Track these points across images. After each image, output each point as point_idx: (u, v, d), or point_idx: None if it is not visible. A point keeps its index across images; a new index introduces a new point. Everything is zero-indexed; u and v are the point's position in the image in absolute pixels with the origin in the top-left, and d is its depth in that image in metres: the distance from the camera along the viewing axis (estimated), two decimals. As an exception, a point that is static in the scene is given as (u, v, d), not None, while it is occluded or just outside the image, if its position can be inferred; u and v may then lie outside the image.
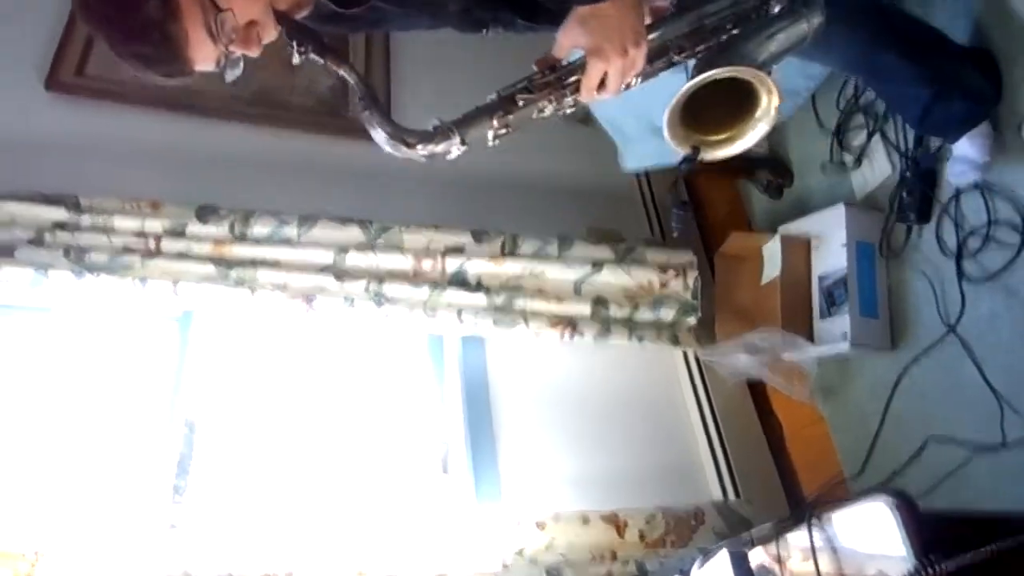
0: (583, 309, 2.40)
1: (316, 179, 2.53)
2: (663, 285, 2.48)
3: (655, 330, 2.46)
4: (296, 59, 1.16)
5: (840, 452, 2.35)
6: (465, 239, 2.40)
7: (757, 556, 1.50)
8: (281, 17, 1.16)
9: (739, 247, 2.59)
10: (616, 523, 2.09)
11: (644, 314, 2.45)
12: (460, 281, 2.35)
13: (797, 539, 1.41)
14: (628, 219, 2.84)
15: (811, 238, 2.37)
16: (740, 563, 1.48)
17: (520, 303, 2.35)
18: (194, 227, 2.21)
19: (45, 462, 2.01)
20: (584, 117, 2.63)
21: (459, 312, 2.30)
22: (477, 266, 2.37)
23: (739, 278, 2.55)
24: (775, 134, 2.64)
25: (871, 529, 1.25)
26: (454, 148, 1.22)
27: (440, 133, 1.20)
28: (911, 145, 2.16)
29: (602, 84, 1.21)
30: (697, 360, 2.54)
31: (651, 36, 1.24)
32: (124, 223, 2.17)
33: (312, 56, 1.15)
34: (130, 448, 2.10)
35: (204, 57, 1.14)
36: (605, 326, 2.39)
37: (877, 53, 1.71)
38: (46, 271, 2.03)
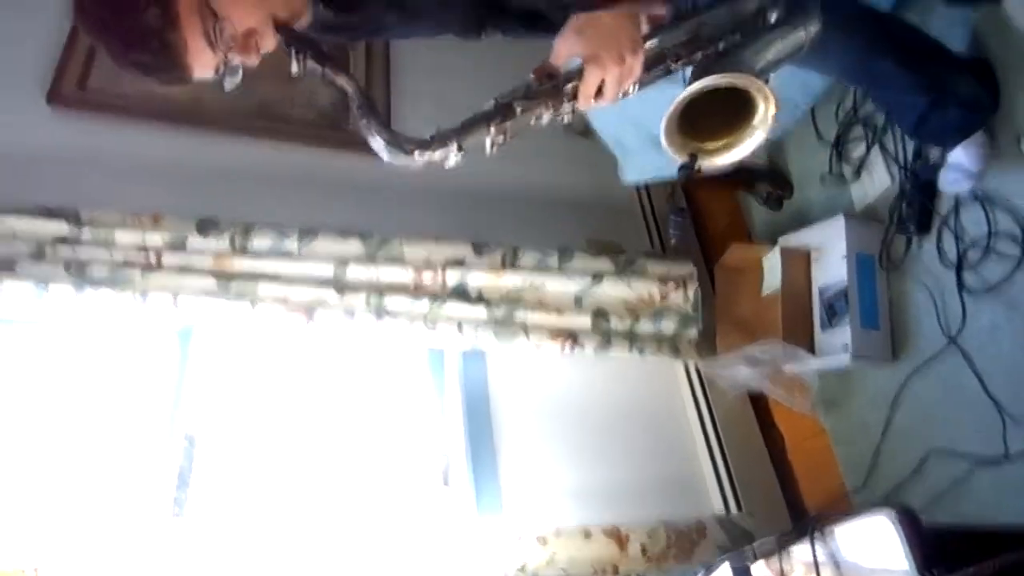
0: (584, 321, 2.40)
1: (317, 192, 2.53)
2: (663, 297, 2.48)
3: (656, 342, 2.45)
4: (295, 68, 1.16)
5: (842, 464, 2.34)
6: (466, 251, 2.40)
7: (759, 570, 1.49)
8: (280, 26, 1.17)
9: (739, 259, 2.59)
10: (618, 537, 2.08)
11: (645, 326, 2.45)
12: (461, 293, 2.35)
13: (800, 553, 1.41)
14: (628, 231, 2.84)
15: (811, 250, 2.37)
16: (743, 577, 1.47)
17: (520, 315, 2.35)
18: (195, 240, 2.21)
19: (45, 477, 2.01)
20: (584, 130, 2.64)
21: (459, 325, 2.30)
22: (478, 278, 2.37)
23: (739, 290, 2.55)
24: (775, 146, 2.66)
25: (874, 543, 1.25)
26: (452, 155, 1.22)
27: (438, 140, 1.20)
28: (910, 157, 2.17)
29: (599, 92, 1.22)
30: (698, 372, 2.53)
31: (648, 44, 1.24)
32: (125, 237, 2.17)
33: (311, 64, 1.15)
34: (130, 462, 2.09)
35: (203, 65, 1.15)
36: (606, 338, 2.39)
37: (874, 61, 1.72)
38: (47, 285, 2.02)
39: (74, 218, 2.14)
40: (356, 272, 2.28)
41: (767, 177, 2.69)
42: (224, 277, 2.18)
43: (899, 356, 2.20)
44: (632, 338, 2.43)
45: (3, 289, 2.00)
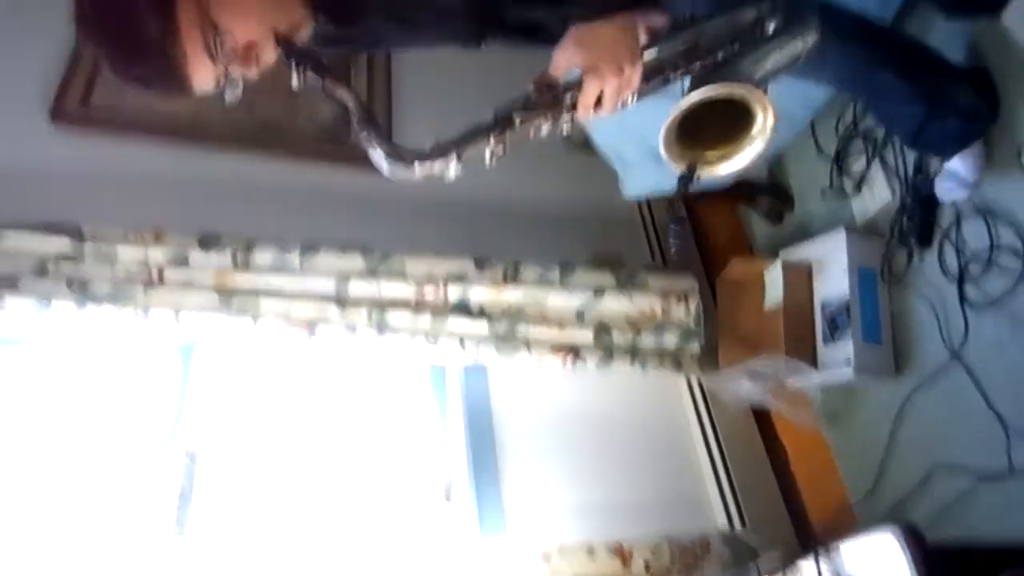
0: (585, 335, 2.39)
1: (318, 207, 2.53)
2: (665, 311, 2.47)
3: (658, 356, 2.45)
4: (295, 81, 1.17)
5: (845, 478, 2.33)
6: (467, 266, 2.40)
7: (764, 587, 1.48)
8: (280, 39, 1.18)
9: (741, 273, 2.59)
10: (622, 554, 2.06)
11: (646, 340, 2.44)
12: (462, 308, 2.35)
13: (805, 570, 1.40)
14: (629, 245, 2.84)
15: (812, 263, 2.37)
16: (748, 595, 1.47)
17: (522, 330, 2.35)
18: (197, 256, 2.21)
19: (46, 493, 2.00)
20: (584, 144, 2.64)
21: (461, 340, 2.29)
22: (479, 293, 2.36)
23: (741, 304, 2.54)
24: (775, 160, 2.66)
25: (879, 561, 1.25)
26: (451, 167, 1.22)
27: (437, 151, 1.20)
28: (911, 171, 2.17)
29: (598, 102, 1.22)
30: (701, 387, 2.52)
31: (646, 55, 1.25)
32: (127, 253, 2.16)
33: (311, 75, 1.15)
34: (132, 480, 2.08)
35: (203, 77, 1.15)
36: (607, 353, 2.38)
37: (872, 71, 1.72)
38: (49, 302, 2.02)
39: (76, 234, 2.14)
40: (358, 287, 2.28)
41: (768, 191, 2.69)
42: (226, 292, 2.17)
43: (902, 370, 2.20)
44: (634, 352, 2.42)
45: (6, 306, 2.00)
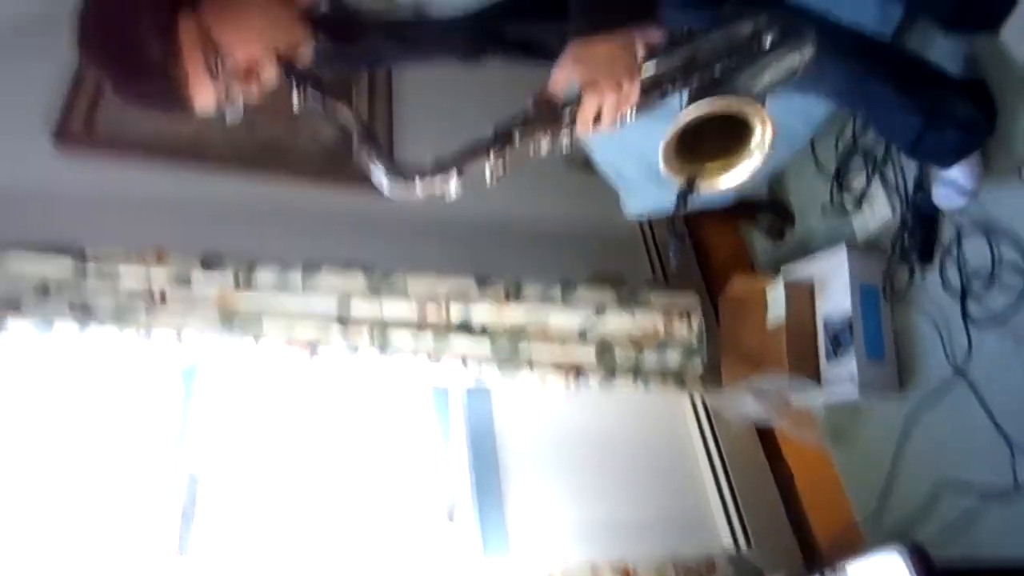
0: (588, 354, 2.38)
1: (320, 227, 2.53)
2: (667, 329, 2.47)
3: (660, 375, 2.44)
4: (295, 101, 1.18)
5: (850, 496, 2.32)
6: (469, 285, 2.39)
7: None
8: (281, 59, 1.18)
9: (743, 290, 2.58)
10: (626, 574, 2.05)
11: (649, 358, 2.43)
12: (464, 327, 2.34)
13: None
14: (630, 264, 2.84)
15: (814, 281, 2.36)
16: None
17: (524, 348, 2.34)
18: (199, 276, 2.21)
19: (49, 514, 1.99)
20: (585, 164, 2.65)
21: (464, 359, 2.29)
22: (481, 312, 2.36)
23: (744, 322, 2.53)
24: (775, 178, 2.67)
25: (885, 582, 1.24)
26: (452, 184, 1.23)
27: (437, 167, 1.21)
28: (911, 188, 2.18)
29: (597, 118, 1.23)
30: (705, 405, 2.51)
31: (644, 70, 1.26)
32: (129, 273, 2.17)
33: (311, 93, 1.16)
34: (134, 500, 2.07)
35: (204, 97, 1.16)
36: (610, 371, 2.37)
37: (870, 84, 1.73)
38: (51, 323, 2.02)
39: (79, 255, 2.14)
40: (359, 307, 2.27)
41: (768, 208, 2.70)
42: (228, 313, 2.17)
43: (906, 387, 2.19)
44: (637, 371, 2.41)
45: (9, 328, 2.00)
